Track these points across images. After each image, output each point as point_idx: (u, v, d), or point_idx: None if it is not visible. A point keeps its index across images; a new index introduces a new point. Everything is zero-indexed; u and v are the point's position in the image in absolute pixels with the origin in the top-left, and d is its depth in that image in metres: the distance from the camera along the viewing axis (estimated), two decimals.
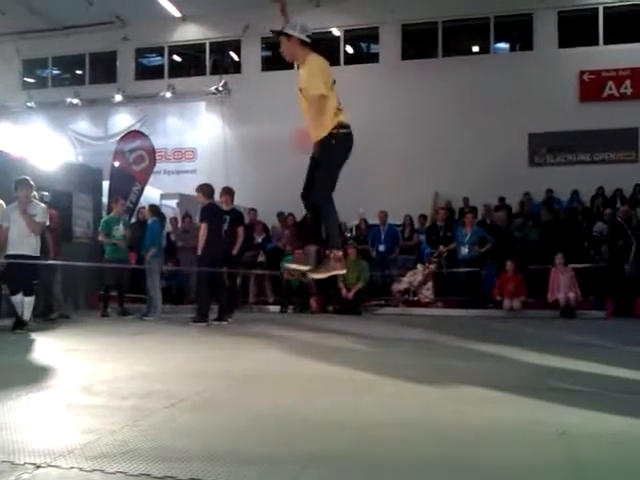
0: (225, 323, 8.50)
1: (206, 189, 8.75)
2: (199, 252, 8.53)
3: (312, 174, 4.84)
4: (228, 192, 9.12)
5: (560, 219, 12.08)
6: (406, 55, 17.10)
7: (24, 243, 7.32)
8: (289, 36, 4.70)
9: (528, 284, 10.52)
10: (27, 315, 7.44)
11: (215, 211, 8.78)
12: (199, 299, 8.78)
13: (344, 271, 5.11)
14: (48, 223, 7.80)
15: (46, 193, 8.61)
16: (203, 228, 8.49)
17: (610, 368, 4.53)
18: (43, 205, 7.69)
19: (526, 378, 4.20)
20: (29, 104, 19.01)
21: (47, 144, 12.43)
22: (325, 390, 3.77)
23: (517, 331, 8.02)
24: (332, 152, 4.67)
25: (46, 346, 6.35)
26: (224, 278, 9.07)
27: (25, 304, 7.38)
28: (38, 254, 7.58)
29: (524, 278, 10.51)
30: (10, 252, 7.29)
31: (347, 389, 3.79)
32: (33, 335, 7.05)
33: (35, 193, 8.34)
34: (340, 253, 4.86)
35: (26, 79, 20.50)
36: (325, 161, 4.71)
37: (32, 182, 7.47)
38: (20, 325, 7.33)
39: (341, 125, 4.63)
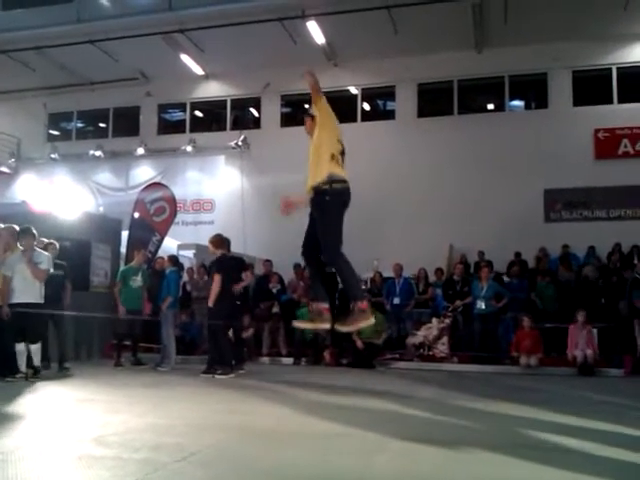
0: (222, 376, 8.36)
1: (216, 241, 8.86)
2: (210, 303, 8.54)
3: (312, 232, 4.86)
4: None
5: (578, 276, 12.00)
6: (422, 112, 17.38)
7: (28, 291, 7.40)
8: (314, 117, 4.94)
9: (545, 341, 10.39)
10: (37, 361, 7.49)
11: (227, 262, 8.85)
12: (218, 350, 8.70)
13: (372, 321, 4.97)
14: (52, 270, 7.88)
15: (67, 243, 8.77)
16: (217, 280, 8.52)
17: (627, 428, 4.44)
18: (46, 253, 7.81)
19: (542, 439, 4.11)
20: (53, 156, 19.49)
21: (69, 195, 12.72)
22: (337, 448, 3.72)
23: (534, 389, 7.88)
24: (327, 209, 4.69)
25: (60, 396, 6.37)
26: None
27: (32, 351, 7.42)
28: (42, 301, 7.61)
29: (541, 334, 10.39)
30: (15, 301, 7.35)
31: (359, 447, 3.75)
32: (48, 384, 7.07)
33: (56, 243, 8.52)
34: (364, 304, 4.80)
35: (51, 132, 21.10)
36: (322, 219, 4.73)
37: (35, 231, 7.60)
38: (34, 372, 7.37)
39: (334, 179, 4.67)
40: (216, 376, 8.28)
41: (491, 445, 3.74)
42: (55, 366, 8.49)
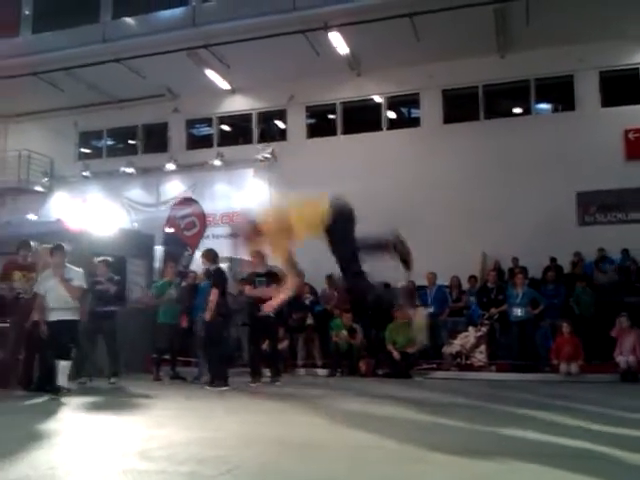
0: (254, 385, 8.46)
1: (209, 254, 8.98)
2: (207, 317, 8.49)
3: None
4: (258, 255, 9.25)
5: (615, 280, 11.76)
6: (448, 119, 17.25)
7: (63, 309, 7.34)
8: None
9: (585, 347, 10.17)
10: (62, 380, 7.25)
11: (223, 275, 8.92)
12: (213, 364, 8.77)
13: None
14: (85, 286, 7.87)
15: (109, 258, 8.90)
16: (215, 294, 8.47)
17: None
18: (77, 269, 7.68)
19: (586, 448, 3.97)
20: (85, 174, 19.84)
21: (102, 212, 12.90)
22: (377, 459, 3.67)
23: (575, 397, 7.68)
24: None
25: (102, 410, 6.42)
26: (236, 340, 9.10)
27: (60, 368, 7.21)
28: (77, 318, 7.58)
29: (581, 341, 10.19)
30: (52, 319, 7.33)
31: (398, 458, 3.69)
32: (91, 399, 7.14)
33: (108, 259, 8.64)
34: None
35: (82, 150, 21.46)
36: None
37: (66, 248, 7.58)
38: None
39: None
40: (207, 387, 8.30)
41: (531, 455, 3.64)
42: (99, 380, 8.63)
